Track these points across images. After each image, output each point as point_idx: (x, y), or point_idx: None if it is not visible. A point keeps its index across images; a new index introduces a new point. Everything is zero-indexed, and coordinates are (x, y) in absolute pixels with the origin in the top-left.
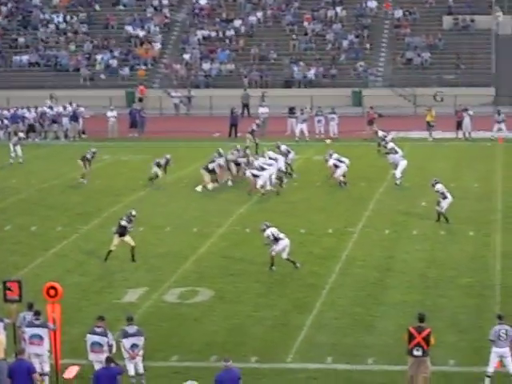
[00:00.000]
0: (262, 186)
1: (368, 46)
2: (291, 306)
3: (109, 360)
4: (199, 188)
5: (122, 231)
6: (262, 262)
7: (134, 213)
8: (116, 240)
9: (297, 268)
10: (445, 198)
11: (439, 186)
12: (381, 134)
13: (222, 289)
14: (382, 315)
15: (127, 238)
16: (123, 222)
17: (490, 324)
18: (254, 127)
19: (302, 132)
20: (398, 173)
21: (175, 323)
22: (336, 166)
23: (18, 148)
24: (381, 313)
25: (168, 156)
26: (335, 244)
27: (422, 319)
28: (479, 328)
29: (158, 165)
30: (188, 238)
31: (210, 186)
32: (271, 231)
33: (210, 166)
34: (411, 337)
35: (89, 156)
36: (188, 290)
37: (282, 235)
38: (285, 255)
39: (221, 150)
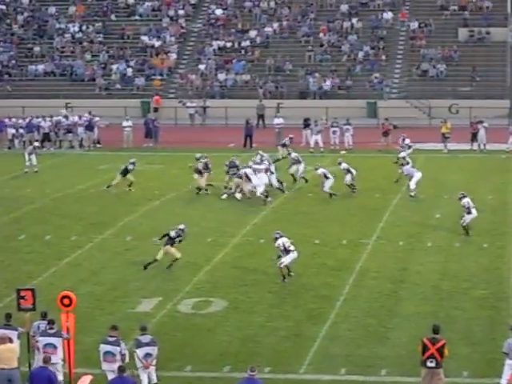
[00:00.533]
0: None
1: (383, 57)
2: (305, 317)
3: (121, 369)
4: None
5: (171, 242)
6: (276, 272)
7: (182, 227)
8: (163, 251)
9: (290, 276)
10: (469, 213)
11: (465, 201)
12: (408, 141)
13: (235, 299)
14: (396, 327)
15: (173, 250)
16: (172, 234)
17: (503, 336)
18: (287, 141)
19: (316, 143)
20: (412, 184)
21: (189, 333)
22: (326, 177)
23: (33, 157)
24: (394, 324)
25: (204, 160)
26: (349, 255)
27: (436, 331)
28: (492, 340)
29: (198, 171)
30: (202, 248)
31: (238, 195)
32: (282, 241)
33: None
34: (425, 348)
35: (131, 167)
36: (202, 301)
37: (292, 247)
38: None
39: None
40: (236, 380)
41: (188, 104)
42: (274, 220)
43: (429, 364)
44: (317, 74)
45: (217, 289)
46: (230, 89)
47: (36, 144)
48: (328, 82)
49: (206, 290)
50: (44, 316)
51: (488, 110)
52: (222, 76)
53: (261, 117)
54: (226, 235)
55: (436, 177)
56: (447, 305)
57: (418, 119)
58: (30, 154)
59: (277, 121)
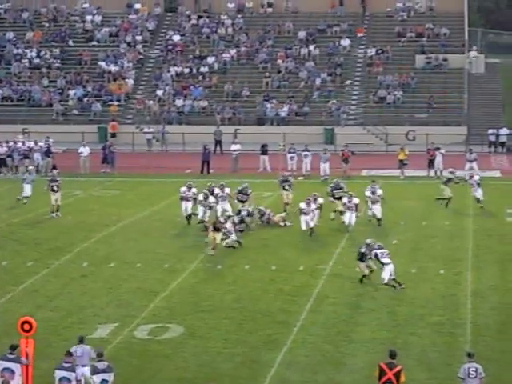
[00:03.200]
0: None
1: (340, 84)
2: (261, 343)
3: None
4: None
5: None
6: (232, 298)
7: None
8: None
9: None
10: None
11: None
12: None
13: (192, 325)
14: (352, 352)
15: (218, 236)
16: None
17: (459, 362)
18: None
19: (324, 170)
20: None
21: (145, 359)
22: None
23: None
24: (351, 350)
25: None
26: (306, 281)
27: (393, 356)
28: (449, 366)
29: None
30: (159, 274)
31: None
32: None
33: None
34: (382, 372)
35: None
36: (158, 327)
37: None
38: None
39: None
40: None
41: (145, 130)
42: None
43: None
44: (274, 101)
45: (173, 315)
46: (187, 115)
47: None
48: (285, 108)
49: (163, 316)
50: (13, 349)
51: (445, 137)
52: (179, 102)
53: (218, 143)
54: (182, 261)
55: (393, 203)
56: (403, 331)
57: (375, 145)
58: None
59: (234, 147)
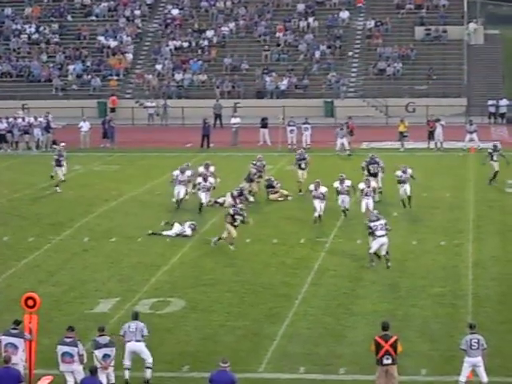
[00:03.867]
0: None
1: (340, 56)
2: (263, 316)
3: (92, 370)
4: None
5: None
6: (234, 271)
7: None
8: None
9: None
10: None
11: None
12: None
13: (193, 299)
14: (353, 325)
15: (233, 230)
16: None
17: (461, 333)
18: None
19: (342, 145)
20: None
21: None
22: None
23: None
24: (352, 322)
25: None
26: (307, 254)
27: (386, 328)
28: (451, 337)
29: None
30: (160, 249)
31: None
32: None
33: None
34: (379, 346)
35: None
36: (160, 301)
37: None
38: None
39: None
40: (195, 379)
41: (148, 104)
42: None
43: (385, 361)
44: (274, 74)
45: (175, 289)
46: (186, 89)
47: None
48: (285, 82)
49: (164, 290)
50: (17, 324)
51: (445, 108)
52: (178, 76)
53: (218, 116)
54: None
55: (393, 175)
56: (405, 302)
57: (375, 118)
58: None
59: (234, 120)
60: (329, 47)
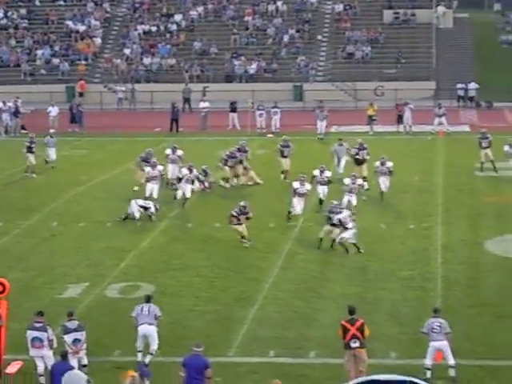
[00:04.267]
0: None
1: (309, 40)
2: (233, 300)
3: (63, 355)
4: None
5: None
6: (203, 256)
7: (243, 204)
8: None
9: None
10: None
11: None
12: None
13: (163, 283)
14: (323, 308)
15: (241, 228)
16: (234, 213)
17: (430, 317)
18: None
19: (321, 128)
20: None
21: (117, 318)
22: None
23: None
24: (321, 306)
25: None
26: (277, 238)
27: (352, 311)
28: (420, 320)
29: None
30: (129, 233)
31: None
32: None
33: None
34: (346, 330)
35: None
36: (129, 285)
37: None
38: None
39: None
40: (165, 364)
41: (117, 88)
42: (203, 204)
43: (353, 345)
44: (242, 58)
45: (144, 273)
46: (155, 73)
47: None
48: (254, 66)
49: (134, 275)
50: None
51: (413, 92)
52: (147, 60)
53: (187, 101)
54: (153, 219)
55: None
56: (374, 286)
57: (344, 102)
58: None
59: (203, 104)
60: (297, 31)
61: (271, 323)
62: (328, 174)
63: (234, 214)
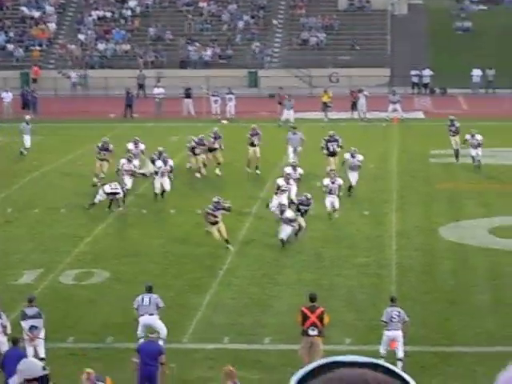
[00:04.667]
0: None
1: (264, 26)
2: (188, 287)
3: (14, 341)
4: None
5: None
6: (158, 242)
7: (215, 199)
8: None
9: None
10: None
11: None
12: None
13: (117, 270)
14: (278, 295)
15: (217, 233)
16: (208, 210)
17: (385, 304)
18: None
19: (288, 116)
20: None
21: (71, 305)
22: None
23: None
24: (276, 292)
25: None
26: (232, 225)
27: (313, 299)
28: (375, 307)
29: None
30: (83, 219)
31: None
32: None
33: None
34: (305, 317)
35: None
36: (84, 272)
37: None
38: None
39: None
40: (119, 350)
41: (71, 73)
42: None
43: (311, 332)
44: (197, 44)
45: (98, 260)
46: (109, 59)
47: None
48: (208, 52)
49: (88, 261)
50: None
51: (368, 79)
52: (101, 46)
53: (141, 86)
54: (107, 206)
55: (317, 146)
56: (329, 272)
57: (299, 88)
58: None
59: (157, 91)
60: (252, 17)
61: (226, 310)
62: (300, 170)
63: (209, 211)
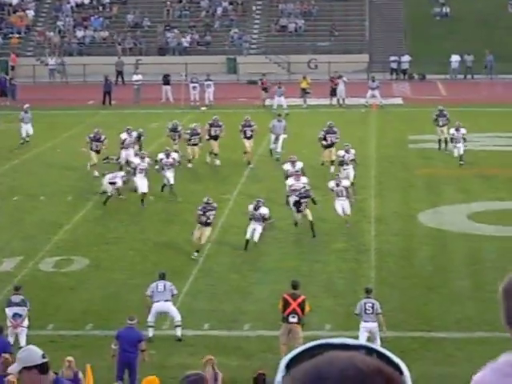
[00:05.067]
0: None
1: (242, 13)
2: (167, 274)
3: (0, 329)
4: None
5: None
6: (137, 229)
7: (206, 200)
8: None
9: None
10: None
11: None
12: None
13: (97, 257)
14: (258, 281)
15: (203, 238)
16: (200, 211)
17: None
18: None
19: (280, 105)
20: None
21: (51, 292)
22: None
23: None
24: (256, 279)
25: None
26: None
27: (295, 286)
28: (354, 292)
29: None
30: (63, 207)
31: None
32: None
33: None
34: (286, 304)
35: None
36: (63, 259)
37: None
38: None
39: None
40: (98, 337)
41: (49, 61)
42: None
43: (291, 319)
44: (176, 30)
45: (78, 247)
46: (88, 46)
47: None
48: (187, 38)
49: (68, 249)
50: None
51: (347, 65)
52: (80, 33)
53: (120, 73)
54: (86, 193)
55: (296, 132)
56: (308, 258)
57: (278, 74)
58: None
59: (136, 77)
60: (231, 3)
61: (206, 296)
62: (300, 165)
63: (201, 212)
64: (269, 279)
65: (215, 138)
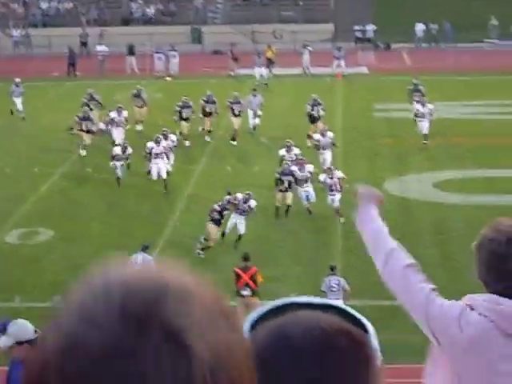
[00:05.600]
0: None
1: None
2: (134, 245)
3: None
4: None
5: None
6: (104, 201)
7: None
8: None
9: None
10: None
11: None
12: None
13: (63, 229)
14: (224, 252)
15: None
16: (217, 207)
17: (332, 258)
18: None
19: (261, 75)
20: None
21: (16, 263)
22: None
23: None
24: (222, 250)
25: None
26: (178, 182)
27: (246, 258)
28: (321, 262)
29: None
30: (28, 179)
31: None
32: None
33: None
34: (238, 277)
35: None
36: (29, 231)
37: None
38: None
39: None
40: None
41: (13, 32)
42: (101, 150)
43: (244, 292)
44: (140, 1)
45: (44, 219)
46: (52, 17)
47: None
48: (151, 8)
49: (33, 221)
50: None
51: (312, 34)
52: (44, 4)
53: (84, 44)
54: (52, 165)
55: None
56: (276, 227)
57: (243, 44)
58: None
59: (100, 48)
60: None
61: None
62: (296, 150)
63: (218, 208)
64: (235, 250)
65: (209, 114)
